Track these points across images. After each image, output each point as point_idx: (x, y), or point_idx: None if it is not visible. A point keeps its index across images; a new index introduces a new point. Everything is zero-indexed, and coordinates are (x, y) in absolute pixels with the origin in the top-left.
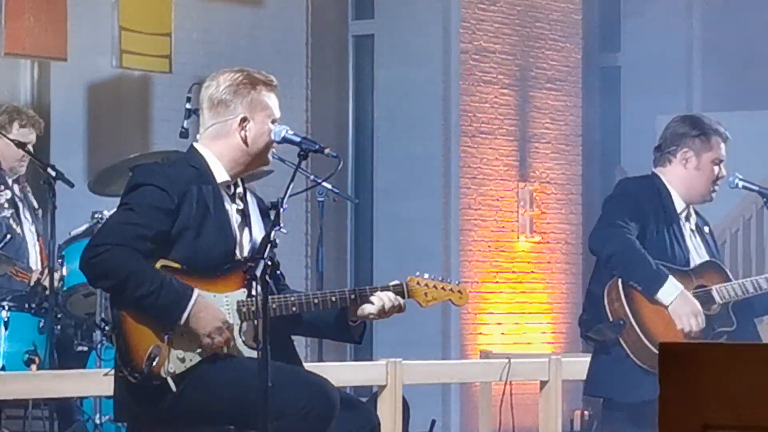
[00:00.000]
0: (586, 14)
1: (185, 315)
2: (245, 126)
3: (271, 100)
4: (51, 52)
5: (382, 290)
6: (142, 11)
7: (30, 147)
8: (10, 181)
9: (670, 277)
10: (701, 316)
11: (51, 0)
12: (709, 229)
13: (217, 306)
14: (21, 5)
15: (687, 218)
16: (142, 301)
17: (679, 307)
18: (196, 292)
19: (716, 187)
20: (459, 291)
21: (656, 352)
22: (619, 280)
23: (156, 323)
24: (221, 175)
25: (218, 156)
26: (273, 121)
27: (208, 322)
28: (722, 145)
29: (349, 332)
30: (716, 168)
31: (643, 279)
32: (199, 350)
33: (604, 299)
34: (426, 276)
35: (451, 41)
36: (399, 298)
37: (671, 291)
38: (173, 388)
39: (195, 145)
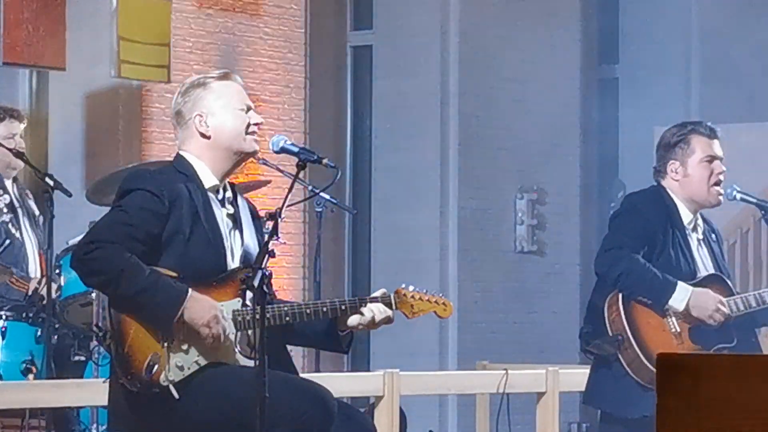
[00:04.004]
0: (584, 26)
1: (182, 309)
2: (201, 121)
3: (228, 88)
4: (49, 61)
5: (371, 301)
6: (140, 21)
7: (20, 139)
8: (8, 185)
9: (679, 283)
10: (722, 302)
11: (50, 10)
12: (716, 237)
13: (210, 299)
14: (20, 15)
15: (694, 229)
16: (137, 297)
17: (696, 307)
18: (191, 290)
19: (718, 188)
20: (444, 303)
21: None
22: (620, 294)
23: (152, 321)
24: (209, 179)
25: (201, 159)
26: (243, 110)
27: (205, 311)
28: (708, 141)
29: (338, 342)
30: (707, 165)
31: (652, 292)
32: (197, 359)
33: (604, 312)
34: (411, 288)
35: (449, 52)
36: (388, 309)
37: (681, 297)
38: (175, 395)
39: (181, 152)
